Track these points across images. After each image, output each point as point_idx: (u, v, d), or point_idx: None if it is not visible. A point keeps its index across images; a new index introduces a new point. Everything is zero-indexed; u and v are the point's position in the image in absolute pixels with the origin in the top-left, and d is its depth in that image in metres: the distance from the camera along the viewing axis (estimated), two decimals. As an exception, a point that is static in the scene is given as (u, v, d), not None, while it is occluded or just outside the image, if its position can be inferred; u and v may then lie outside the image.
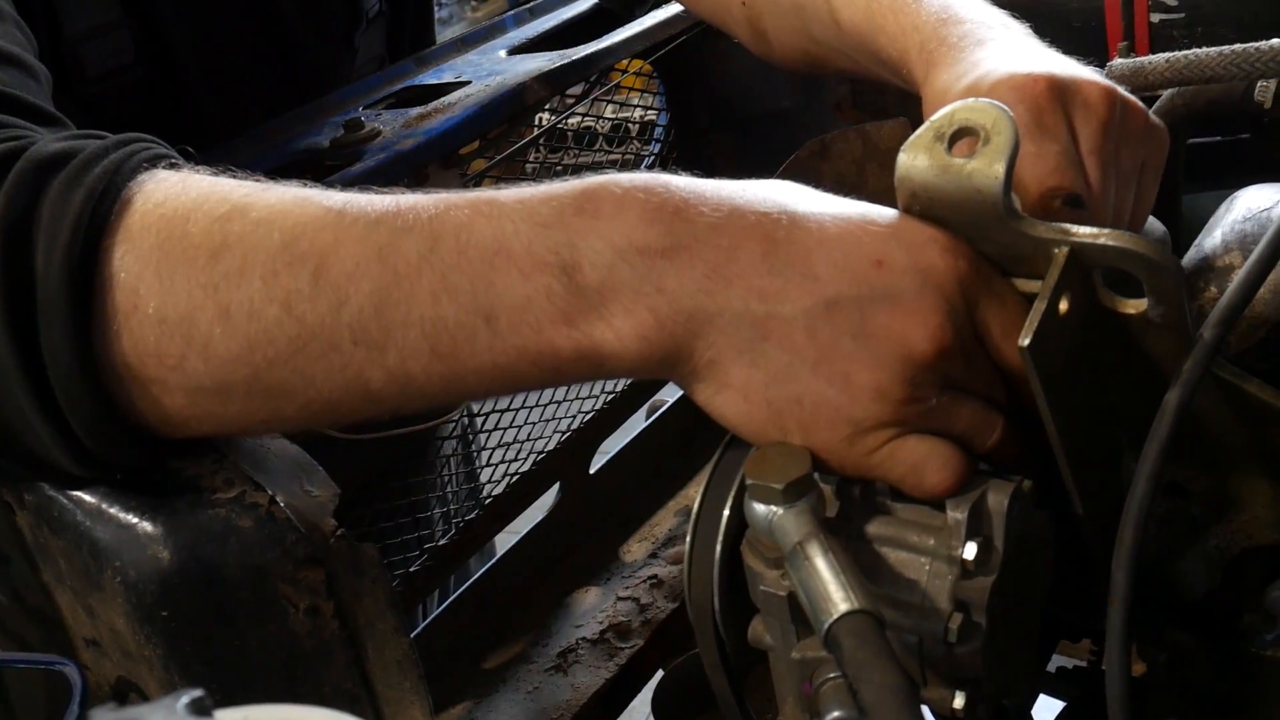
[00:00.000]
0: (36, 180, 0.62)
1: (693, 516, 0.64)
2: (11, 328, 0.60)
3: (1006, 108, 0.60)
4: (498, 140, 1.20)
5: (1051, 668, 0.90)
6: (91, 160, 0.63)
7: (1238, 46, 0.75)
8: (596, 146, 1.47)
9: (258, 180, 0.65)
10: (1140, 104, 0.76)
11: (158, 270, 0.61)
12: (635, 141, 1.47)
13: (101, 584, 0.64)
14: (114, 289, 0.61)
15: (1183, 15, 1.16)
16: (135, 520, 0.63)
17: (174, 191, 0.63)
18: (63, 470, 0.63)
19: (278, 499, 0.64)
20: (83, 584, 0.66)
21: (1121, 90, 0.75)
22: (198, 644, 0.63)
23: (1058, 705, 0.89)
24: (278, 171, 0.67)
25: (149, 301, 0.61)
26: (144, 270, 0.61)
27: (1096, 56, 0.84)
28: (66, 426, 0.62)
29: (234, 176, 0.65)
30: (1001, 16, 0.84)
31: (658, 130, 1.40)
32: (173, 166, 0.66)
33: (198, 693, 0.35)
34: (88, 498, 0.64)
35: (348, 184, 0.65)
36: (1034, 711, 0.80)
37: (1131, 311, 0.62)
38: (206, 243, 0.61)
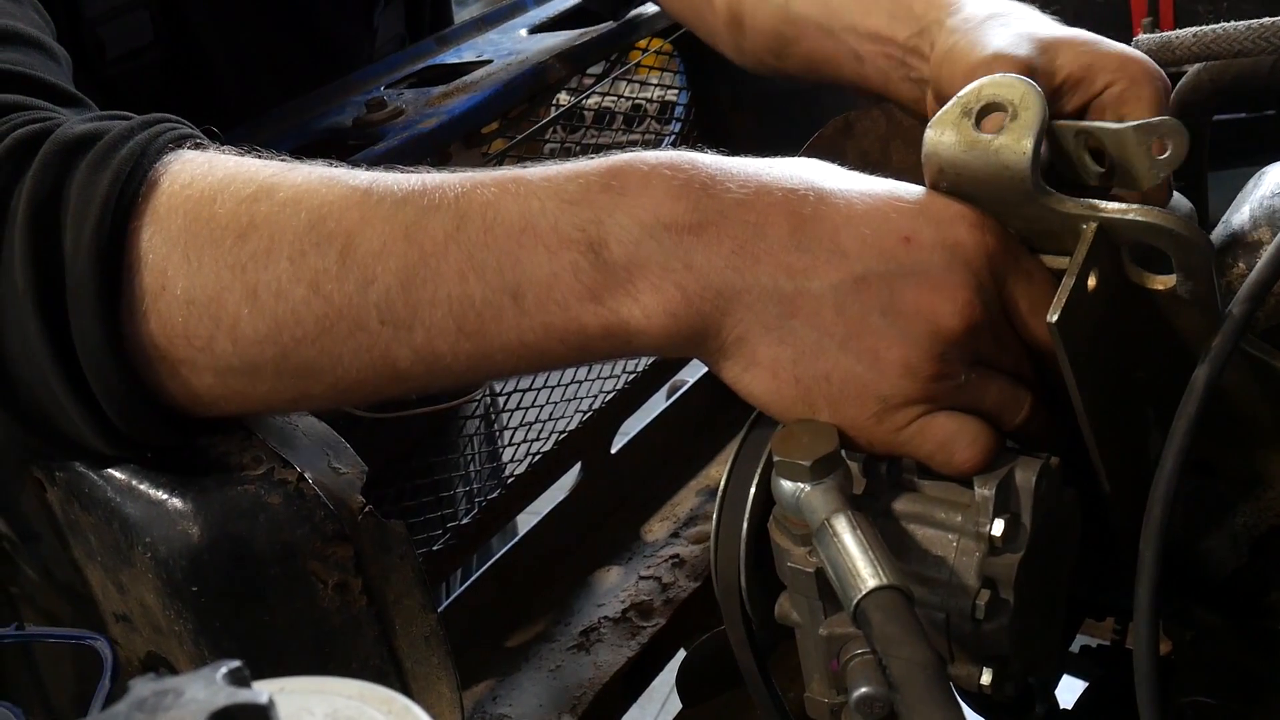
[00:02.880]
0: (63, 162, 0.62)
1: (719, 493, 0.65)
2: (42, 309, 0.60)
3: (1034, 83, 0.60)
4: (518, 120, 1.20)
5: (1074, 647, 0.90)
6: (118, 141, 0.63)
7: (1266, 20, 0.74)
8: (616, 126, 1.46)
9: (284, 160, 0.65)
10: None
11: (185, 251, 0.61)
12: (655, 121, 1.46)
13: (132, 560, 0.64)
14: (142, 270, 0.61)
15: (1207, -9, 1.15)
16: (165, 496, 0.63)
17: (200, 172, 0.63)
18: (94, 449, 0.64)
19: (306, 476, 0.64)
20: (113, 560, 0.66)
21: None
22: (227, 619, 0.63)
23: (1077, 686, 0.89)
24: (301, 151, 0.67)
25: (177, 282, 0.61)
26: (172, 251, 0.61)
27: (1121, 32, 0.84)
28: (97, 406, 0.62)
29: (259, 156, 0.65)
30: None
31: (678, 109, 1.39)
32: (198, 147, 0.66)
33: (236, 663, 0.35)
34: (118, 474, 0.65)
35: (371, 163, 0.66)
36: (1055, 692, 0.81)
37: (1160, 287, 0.62)
38: (234, 223, 0.61)
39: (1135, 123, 0.65)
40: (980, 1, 0.80)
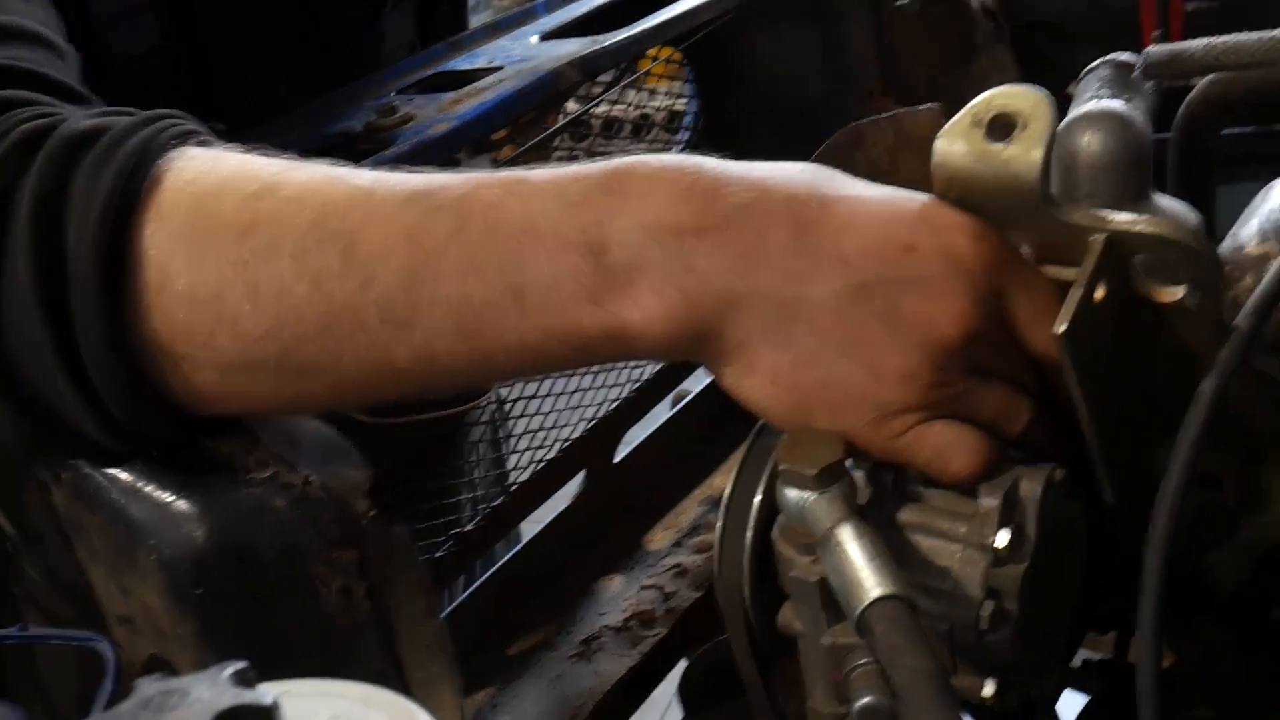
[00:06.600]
0: (68, 157, 0.62)
1: (724, 502, 0.64)
2: (45, 303, 0.61)
3: (1046, 93, 0.60)
4: (526, 127, 1.20)
5: (1075, 661, 0.90)
6: (122, 137, 0.63)
7: (1277, 31, 0.74)
8: (624, 135, 1.47)
9: (288, 158, 0.65)
10: None
11: (188, 247, 0.61)
12: (662, 131, 1.47)
13: (136, 561, 0.64)
14: (144, 266, 0.61)
15: (1217, 5, 1.15)
16: (171, 498, 0.63)
17: (204, 169, 0.63)
18: (96, 443, 0.64)
19: (312, 479, 0.64)
20: (117, 561, 0.66)
21: None
22: (230, 622, 0.63)
23: (1078, 702, 0.88)
24: (311, 154, 0.67)
25: (179, 278, 0.61)
26: (174, 247, 0.62)
27: (1132, 45, 0.84)
28: (99, 400, 0.62)
29: (263, 154, 0.65)
30: None
31: (687, 119, 1.40)
32: (203, 143, 0.66)
33: (241, 664, 0.35)
34: (123, 475, 0.65)
35: (380, 167, 0.66)
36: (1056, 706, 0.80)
37: (1167, 300, 0.62)
38: (236, 220, 0.62)
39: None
40: None
